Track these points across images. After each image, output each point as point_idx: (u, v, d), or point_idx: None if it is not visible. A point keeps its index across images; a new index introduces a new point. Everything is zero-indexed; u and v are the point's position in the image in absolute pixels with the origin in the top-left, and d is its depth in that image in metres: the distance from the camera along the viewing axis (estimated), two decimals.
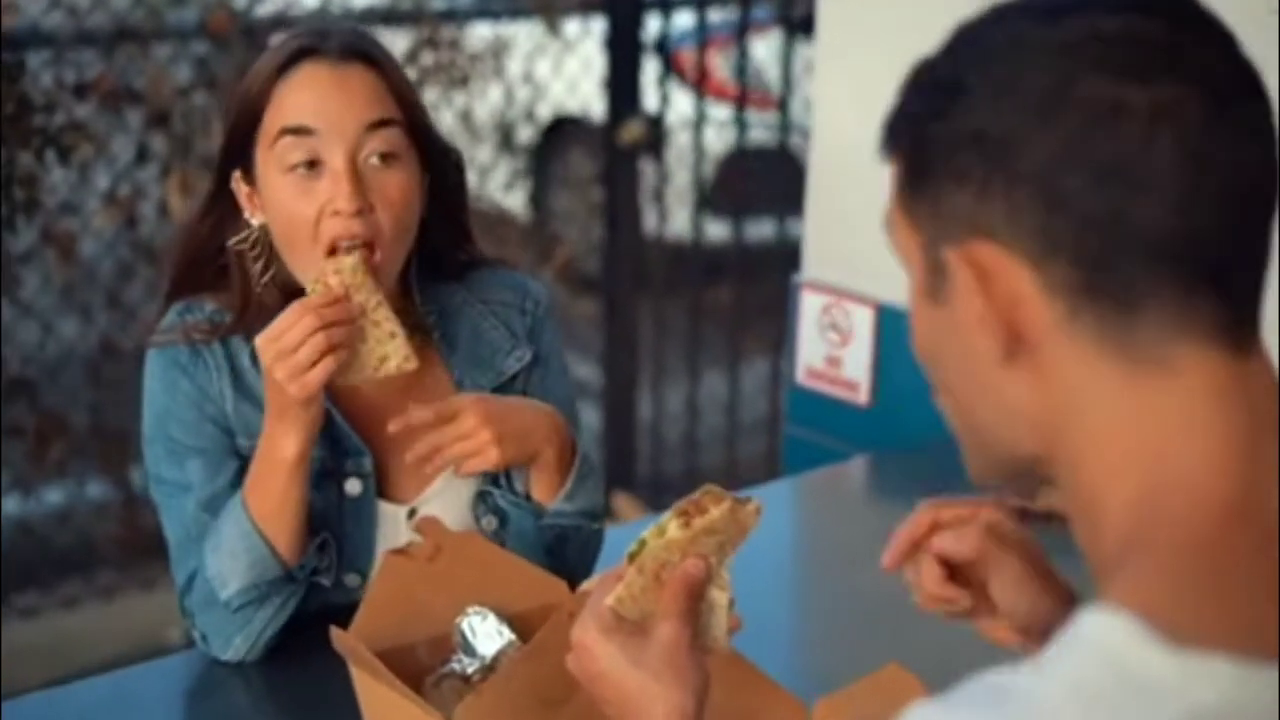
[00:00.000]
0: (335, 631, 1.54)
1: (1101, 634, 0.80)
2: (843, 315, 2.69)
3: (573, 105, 4.66)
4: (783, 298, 4.13)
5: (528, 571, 1.72)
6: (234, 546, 1.73)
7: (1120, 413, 0.86)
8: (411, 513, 1.85)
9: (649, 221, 4.51)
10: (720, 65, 4.79)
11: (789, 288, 2.83)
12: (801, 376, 2.78)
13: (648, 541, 1.21)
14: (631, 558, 1.21)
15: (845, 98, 2.70)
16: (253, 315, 1.78)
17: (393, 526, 1.84)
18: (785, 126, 4.17)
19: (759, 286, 4.30)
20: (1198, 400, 0.85)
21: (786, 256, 4.34)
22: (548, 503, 1.84)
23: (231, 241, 1.79)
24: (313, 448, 1.71)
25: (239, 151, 1.76)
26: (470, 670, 1.63)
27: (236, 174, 1.77)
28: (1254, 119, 0.87)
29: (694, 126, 4.22)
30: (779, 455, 4.21)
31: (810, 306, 2.74)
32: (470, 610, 1.65)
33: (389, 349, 1.72)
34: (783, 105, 4.13)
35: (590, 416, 4.59)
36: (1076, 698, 0.78)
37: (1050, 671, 0.80)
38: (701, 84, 4.23)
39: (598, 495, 1.88)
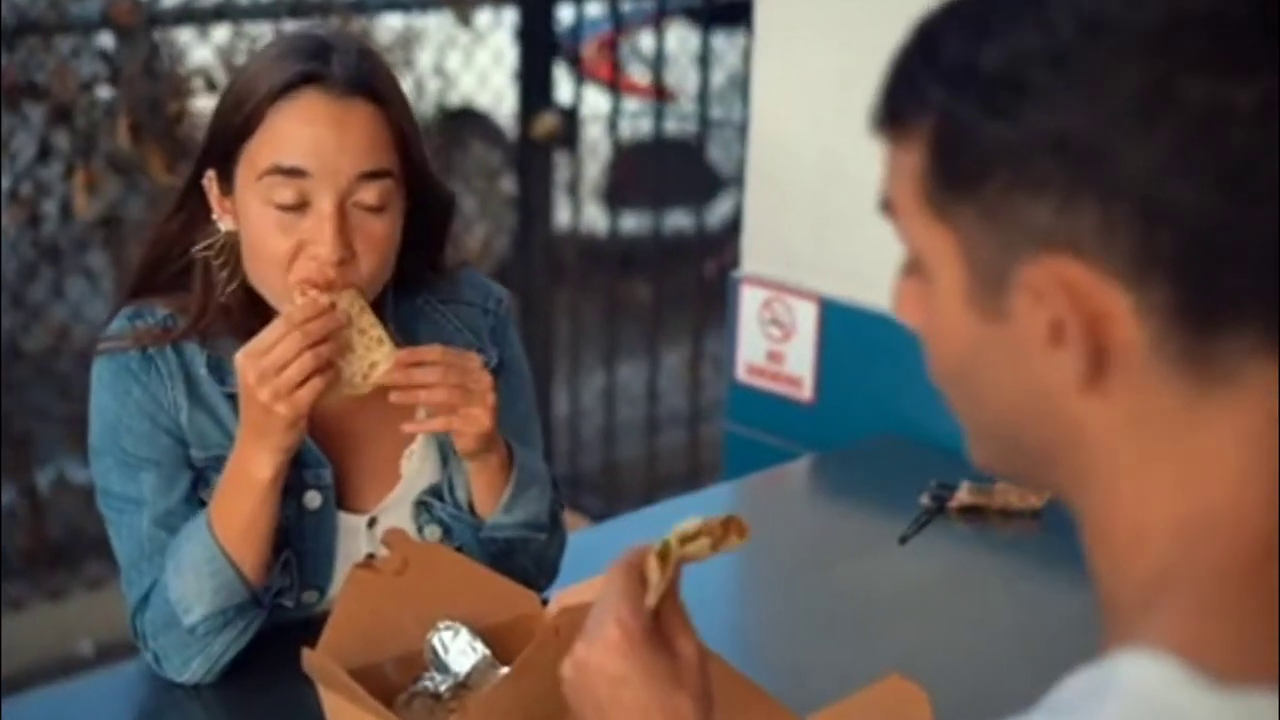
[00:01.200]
0: (306, 653, 1.48)
1: (1141, 679, 0.76)
2: (784, 310, 2.65)
3: (484, 98, 4.59)
4: (697, 289, 4.13)
5: (498, 583, 1.67)
6: (199, 570, 1.65)
7: (1181, 433, 0.81)
8: (371, 522, 1.79)
9: (562, 215, 4.46)
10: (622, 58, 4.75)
11: (726, 282, 2.78)
12: (742, 373, 2.74)
13: (673, 547, 1.16)
14: (661, 558, 1.16)
15: (784, 91, 2.66)
16: (211, 321, 1.72)
17: (352, 538, 1.78)
18: (704, 120, 4.14)
19: (671, 278, 4.27)
20: (1255, 423, 0.80)
21: (687, 248, 4.33)
22: (488, 514, 1.79)
23: (197, 248, 1.72)
24: (287, 468, 1.64)
25: (219, 156, 1.68)
26: (443, 688, 1.58)
27: (210, 174, 1.70)
28: None
29: (609, 120, 4.18)
30: (700, 448, 4.20)
31: (750, 301, 2.70)
32: (441, 625, 1.60)
33: (378, 355, 1.65)
34: (702, 97, 4.09)
35: None
36: None
37: None
38: (595, 75, 4.18)
39: (540, 506, 1.81)
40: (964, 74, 0.82)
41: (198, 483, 1.71)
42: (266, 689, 1.70)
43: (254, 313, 1.71)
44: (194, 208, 1.72)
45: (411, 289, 1.81)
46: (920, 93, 0.84)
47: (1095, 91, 0.78)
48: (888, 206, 0.89)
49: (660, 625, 1.14)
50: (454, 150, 5.37)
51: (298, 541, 1.75)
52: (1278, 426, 0.80)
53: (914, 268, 0.89)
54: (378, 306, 1.73)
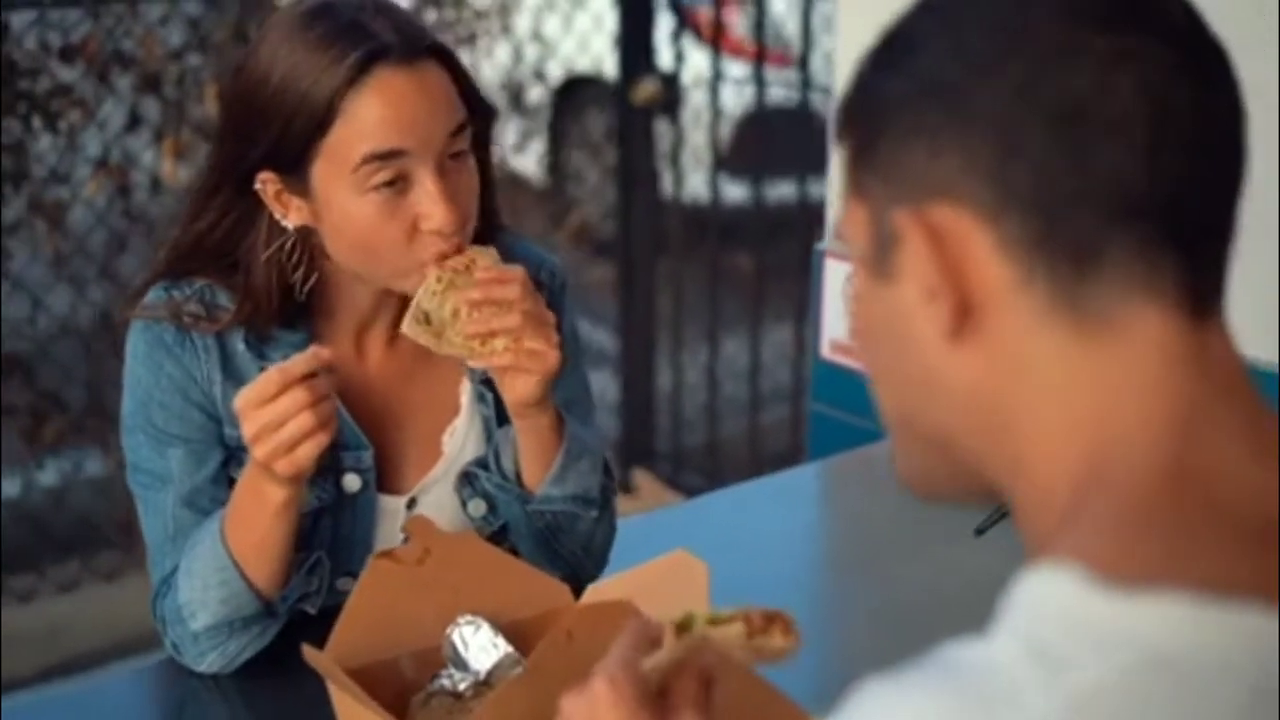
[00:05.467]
0: (307, 649, 1.39)
1: (1043, 589, 0.76)
2: None
3: (584, 64, 4.49)
4: (803, 261, 3.99)
5: (528, 575, 1.57)
6: (208, 579, 1.58)
7: (1065, 377, 0.82)
8: (411, 503, 1.71)
9: (665, 183, 4.34)
10: (738, 21, 4.60)
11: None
12: (826, 350, 2.61)
13: (697, 621, 1.08)
14: (679, 629, 1.07)
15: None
16: (261, 311, 1.64)
17: (391, 520, 1.70)
18: (805, 84, 3.97)
19: (778, 250, 4.13)
20: (1145, 362, 0.81)
21: (806, 219, 4.19)
22: (536, 486, 1.69)
23: (266, 254, 1.62)
24: (302, 489, 1.56)
25: (287, 156, 1.57)
26: (462, 686, 1.48)
27: (266, 176, 1.59)
28: (1219, 71, 0.83)
29: (710, 85, 4.02)
30: (802, 426, 4.07)
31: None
32: (461, 620, 1.50)
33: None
34: (803, 62, 3.93)
35: (607, 387, 4.43)
36: (1029, 655, 0.74)
37: (1001, 639, 0.76)
38: (718, 40, 4.02)
39: (591, 481, 1.71)
40: (877, 51, 0.86)
41: (229, 461, 1.64)
42: (290, 680, 1.60)
43: (306, 304, 1.66)
44: (243, 209, 1.62)
45: None
46: (852, 87, 0.88)
47: (960, 37, 0.82)
48: (839, 217, 0.95)
49: (667, 696, 1.07)
50: (569, 120, 5.29)
51: (333, 526, 1.67)
52: (1179, 368, 0.81)
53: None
54: None
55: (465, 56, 4.09)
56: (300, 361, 1.48)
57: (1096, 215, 0.79)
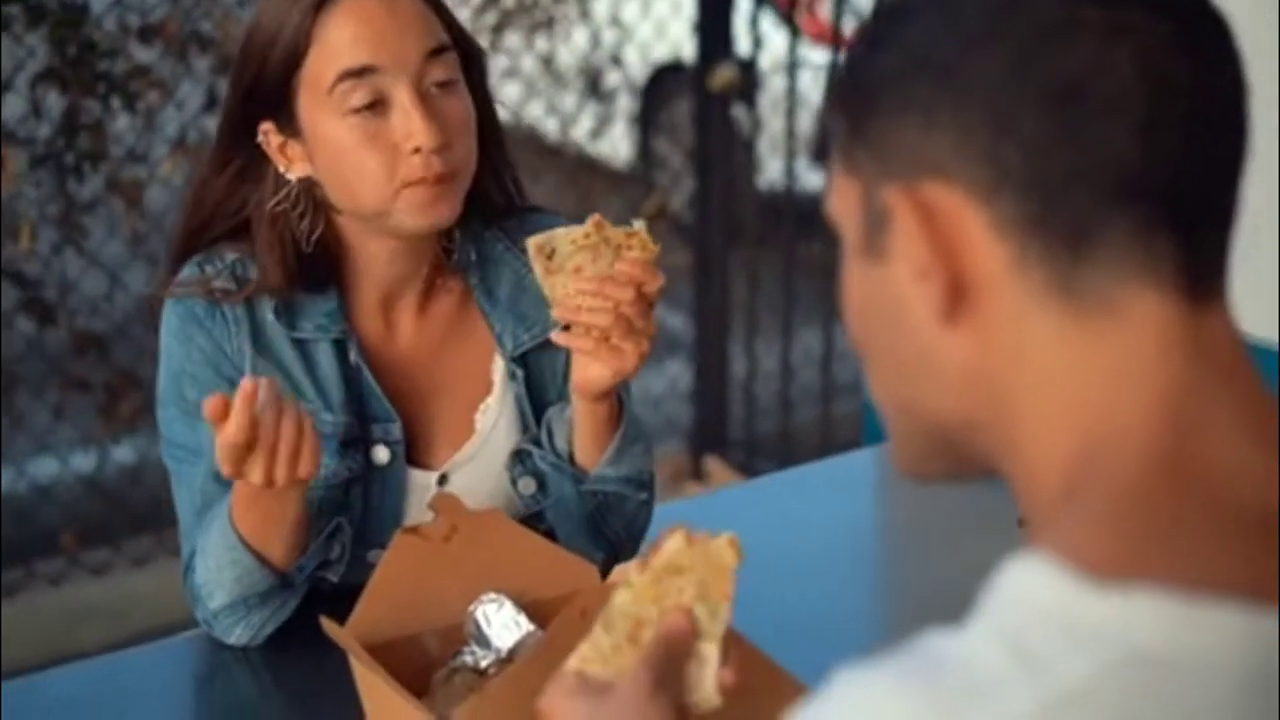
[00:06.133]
0: (328, 624, 1.39)
1: (1027, 584, 0.75)
2: None
3: (662, 49, 4.46)
4: None
5: (554, 554, 1.56)
6: (219, 558, 1.59)
7: (1061, 362, 0.80)
8: (443, 479, 1.71)
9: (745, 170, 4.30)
10: (823, 6, 4.54)
11: None
12: None
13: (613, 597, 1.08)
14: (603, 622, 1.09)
15: None
16: (275, 272, 1.64)
17: (422, 495, 1.69)
18: None
19: None
20: (1142, 347, 0.79)
21: None
22: (590, 466, 1.68)
23: (272, 203, 1.64)
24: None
25: (272, 103, 1.60)
26: (484, 663, 1.48)
27: (266, 127, 1.61)
28: (1219, 44, 0.81)
29: (788, 70, 3.98)
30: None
31: None
32: (485, 597, 1.50)
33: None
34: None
35: (681, 373, 4.42)
36: (1010, 651, 0.72)
37: (981, 631, 0.74)
38: (792, 19, 3.94)
39: (643, 463, 1.72)
40: (868, 27, 0.85)
41: None
42: (317, 652, 1.60)
43: (327, 262, 1.66)
44: (243, 164, 1.64)
45: (484, 222, 1.70)
46: (844, 65, 0.88)
47: (956, 9, 0.80)
48: (827, 194, 0.89)
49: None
50: (659, 108, 5.26)
51: (362, 499, 1.68)
52: (1177, 353, 0.79)
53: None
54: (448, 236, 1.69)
55: (543, 41, 4.11)
56: (251, 385, 1.46)
57: (1092, 196, 0.78)
